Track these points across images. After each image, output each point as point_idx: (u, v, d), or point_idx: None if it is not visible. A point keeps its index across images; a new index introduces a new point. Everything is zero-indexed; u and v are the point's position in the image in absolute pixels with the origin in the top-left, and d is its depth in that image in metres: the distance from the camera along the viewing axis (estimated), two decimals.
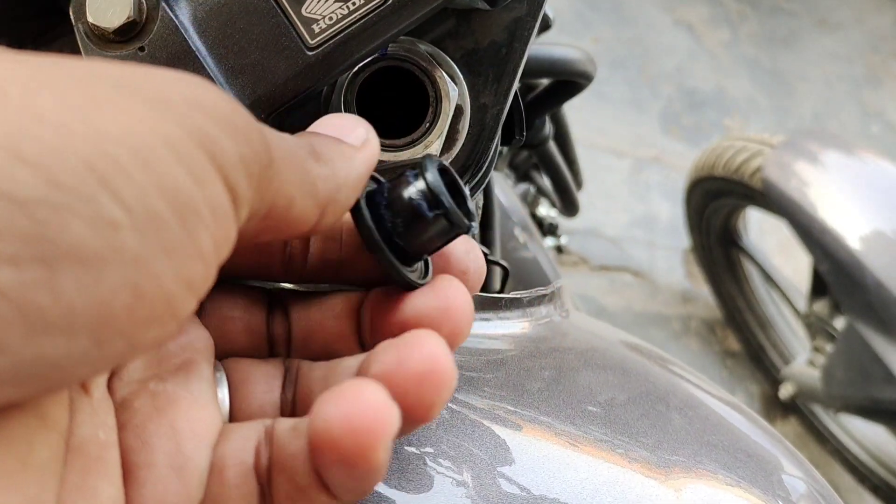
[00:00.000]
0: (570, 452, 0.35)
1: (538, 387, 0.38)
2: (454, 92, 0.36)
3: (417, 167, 0.27)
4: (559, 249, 1.42)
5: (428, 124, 0.35)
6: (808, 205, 1.43)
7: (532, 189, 1.30)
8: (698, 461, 0.37)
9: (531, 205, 1.33)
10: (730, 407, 0.45)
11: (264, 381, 0.28)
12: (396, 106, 0.36)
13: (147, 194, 0.18)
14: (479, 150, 0.37)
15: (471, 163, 0.37)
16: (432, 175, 0.26)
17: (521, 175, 1.20)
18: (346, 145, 0.26)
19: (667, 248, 2.34)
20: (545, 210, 1.37)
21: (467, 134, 0.37)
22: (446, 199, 0.26)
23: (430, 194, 0.26)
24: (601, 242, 2.29)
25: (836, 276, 1.41)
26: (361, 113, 0.34)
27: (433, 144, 0.35)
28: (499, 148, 0.42)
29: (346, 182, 0.25)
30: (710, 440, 0.39)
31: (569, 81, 0.62)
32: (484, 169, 0.40)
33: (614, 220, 2.35)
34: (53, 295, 0.17)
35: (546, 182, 1.17)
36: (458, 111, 0.36)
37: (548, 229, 1.38)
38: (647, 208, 2.40)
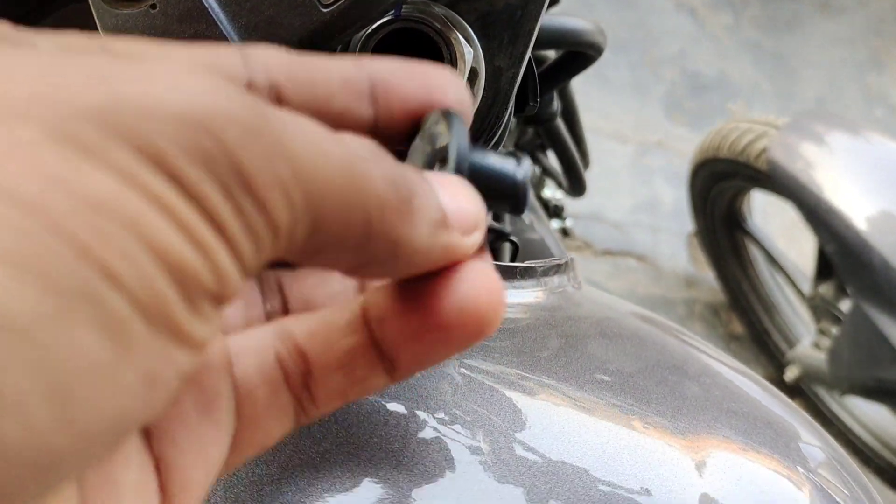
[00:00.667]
0: (588, 418, 0.35)
1: (553, 354, 0.38)
2: (469, 54, 0.35)
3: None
4: (564, 232, 1.41)
5: None
6: (814, 186, 1.43)
7: (537, 170, 1.30)
8: (716, 428, 0.37)
9: (536, 186, 1.32)
10: (745, 377, 0.44)
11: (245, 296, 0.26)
12: None
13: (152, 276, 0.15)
14: (494, 113, 0.37)
15: (485, 127, 0.37)
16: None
17: (528, 156, 1.19)
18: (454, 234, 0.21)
19: (670, 233, 2.33)
20: (551, 192, 1.37)
21: (482, 97, 0.36)
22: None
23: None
24: (605, 227, 2.29)
25: (842, 257, 1.41)
26: None
27: None
28: (512, 114, 0.41)
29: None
30: (728, 408, 0.39)
31: (578, 54, 0.61)
32: (498, 135, 0.39)
33: (618, 205, 2.34)
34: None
35: (551, 162, 1.17)
36: (473, 74, 0.36)
37: (553, 211, 1.38)
38: (650, 193, 2.39)
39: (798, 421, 0.42)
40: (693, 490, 0.34)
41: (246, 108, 0.17)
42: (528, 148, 1.17)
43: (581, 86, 2.49)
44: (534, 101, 0.41)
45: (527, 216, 0.97)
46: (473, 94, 0.36)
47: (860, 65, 2.88)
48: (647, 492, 0.33)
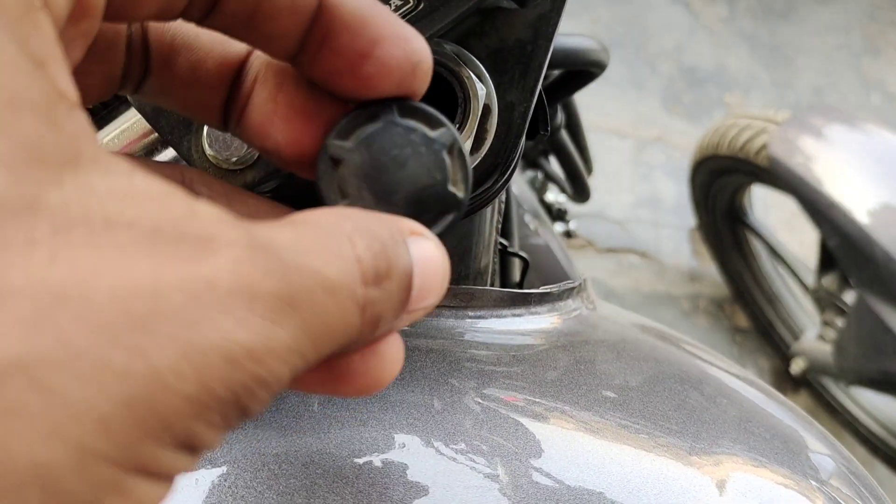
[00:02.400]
0: (605, 443, 0.36)
1: (570, 380, 0.39)
2: (482, 91, 0.36)
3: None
4: (568, 234, 1.42)
5: (458, 125, 0.35)
6: (815, 180, 1.43)
7: (539, 175, 1.30)
8: (730, 446, 0.38)
9: (539, 191, 1.33)
10: (755, 388, 0.45)
11: None
12: None
13: None
14: (508, 147, 0.37)
15: (499, 161, 0.38)
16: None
17: (529, 162, 1.20)
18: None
19: (672, 228, 2.34)
20: (553, 196, 1.37)
21: (495, 133, 0.37)
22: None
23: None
24: (607, 224, 2.30)
25: (844, 250, 1.41)
26: None
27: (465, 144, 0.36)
28: (524, 146, 0.42)
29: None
30: (741, 425, 0.40)
31: (581, 70, 0.62)
32: (512, 167, 0.40)
33: (619, 202, 2.35)
34: None
35: (554, 167, 1.18)
36: (486, 110, 0.36)
37: (556, 215, 1.39)
38: (651, 188, 2.40)
39: (807, 429, 0.43)
40: None
41: None
42: (531, 154, 1.18)
43: None
44: (544, 131, 0.42)
45: (531, 222, 0.98)
46: (487, 130, 0.37)
47: (856, 51, 2.88)
48: None
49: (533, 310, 0.43)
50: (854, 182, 1.40)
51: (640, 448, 0.36)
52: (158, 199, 0.17)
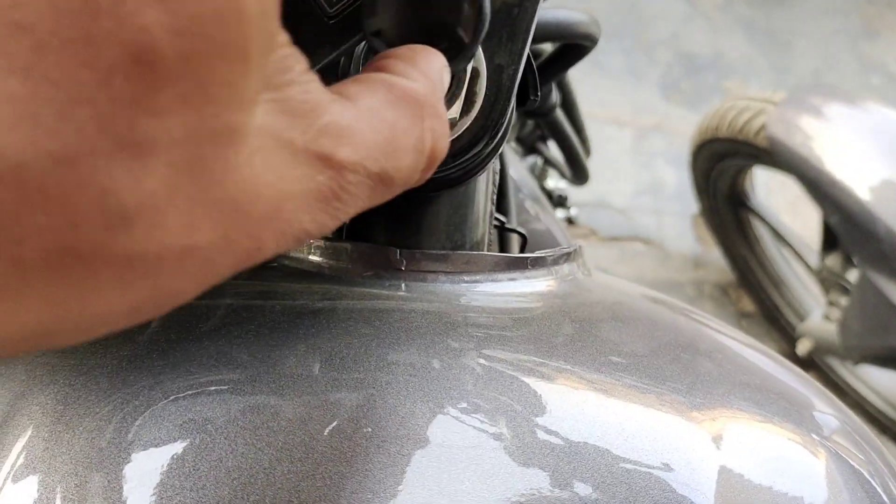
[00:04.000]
0: (606, 399, 0.36)
1: (568, 340, 0.39)
2: None
3: None
4: (570, 221, 1.42)
5: (450, 89, 0.36)
6: (815, 159, 1.43)
7: (539, 162, 1.31)
8: (731, 401, 0.38)
9: (539, 177, 1.33)
10: (757, 351, 0.45)
11: None
12: None
13: None
14: (498, 111, 0.38)
15: (490, 124, 0.38)
16: None
17: (528, 148, 1.20)
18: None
19: (675, 215, 2.34)
20: (554, 182, 1.38)
21: (484, 96, 0.37)
22: None
23: None
24: (609, 213, 2.30)
25: (846, 227, 1.41)
26: None
27: (452, 108, 0.36)
28: (514, 109, 0.42)
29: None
30: (741, 381, 0.40)
31: (573, 45, 0.62)
32: (502, 131, 0.40)
33: (620, 190, 2.35)
34: None
35: (553, 153, 1.18)
36: (475, 73, 0.37)
37: (557, 201, 1.39)
38: (652, 176, 2.40)
39: (811, 391, 0.43)
40: (711, 462, 0.35)
41: None
42: (529, 140, 1.18)
43: (576, 74, 2.49)
44: (534, 96, 0.42)
45: (532, 207, 0.98)
46: (476, 93, 0.37)
47: (854, 34, 2.87)
48: (668, 467, 0.34)
49: (528, 274, 0.43)
50: (855, 159, 1.40)
51: (644, 405, 0.36)
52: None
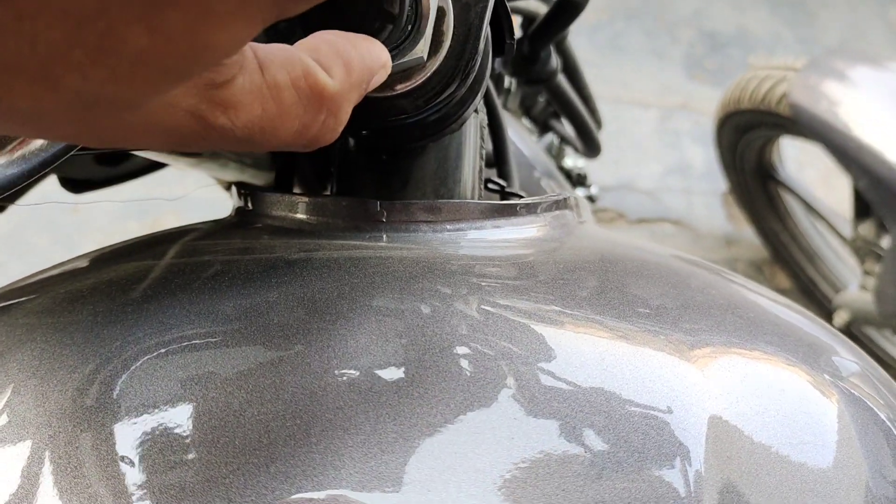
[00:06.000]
0: (610, 343, 0.34)
1: (564, 282, 0.38)
2: None
3: None
4: (591, 199, 1.41)
5: (409, 27, 0.35)
6: (841, 124, 1.40)
7: (556, 141, 1.29)
8: (740, 341, 0.37)
9: (557, 157, 1.32)
10: (776, 302, 0.44)
11: None
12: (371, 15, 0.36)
13: None
14: (468, 50, 0.37)
15: (461, 65, 0.37)
16: None
17: (543, 126, 1.19)
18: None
19: (704, 194, 2.31)
20: (572, 161, 1.36)
21: (453, 35, 0.37)
22: None
23: None
24: (637, 195, 2.27)
25: (877, 192, 1.38)
26: (337, 22, 0.34)
27: (418, 47, 0.35)
28: (490, 56, 0.42)
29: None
30: (753, 325, 0.39)
31: (567, 3, 0.61)
32: (476, 73, 0.39)
33: (648, 172, 2.32)
34: None
35: (568, 129, 1.16)
36: (441, 13, 0.36)
37: (577, 180, 1.37)
38: (679, 156, 2.37)
39: (835, 341, 0.41)
40: (712, 401, 0.33)
41: None
42: (542, 117, 1.17)
43: (597, 57, 2.47)
44: (510, 39, 0.42)
45: (547, 185, 0.97)
46: (444, 33, 0.36)
47: (882, 0, 2.81)
48: (666, 409, 0.33)
49: (515, 221, 0.42)
50: (882, 121, 1.36)
51: (646, 346, 0.35)
52: None
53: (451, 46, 0.37)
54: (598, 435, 0.30)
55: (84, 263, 0.42)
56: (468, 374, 0.31)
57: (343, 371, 0.31)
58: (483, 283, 0.37)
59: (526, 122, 1.20)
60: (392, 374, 0.31)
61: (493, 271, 0.38)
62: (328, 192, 0.49)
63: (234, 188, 0.47)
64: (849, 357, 0.40)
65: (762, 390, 0.35)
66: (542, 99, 1.14)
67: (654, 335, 0.35)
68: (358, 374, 0.31)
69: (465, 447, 0.29)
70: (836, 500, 0.32)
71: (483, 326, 0.33)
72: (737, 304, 0.41)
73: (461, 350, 0.32)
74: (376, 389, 0.30)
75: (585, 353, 0.34)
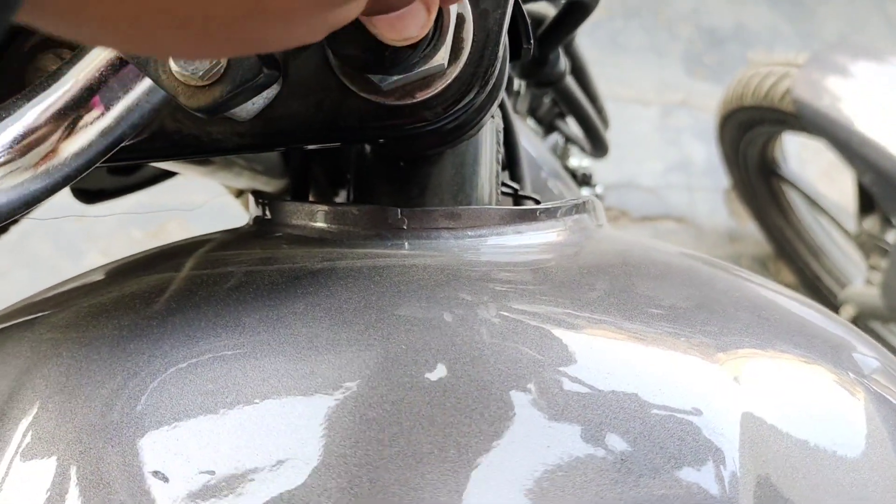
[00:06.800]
0: (632, 346, 0.34)
1: (585, 287, 0.38)
2: None
3: None
4: (596, 198, 1.41)
5: (430, 34, 0.35)
6: (844, 119, 1.40)
7: (561, 141, 1.29)
8: (762, 341, 0.37)
9: (562, 157, 1.32)
10: (794, 300, 0.44)
11: None
12: None
13: None
14: (487, 57, 0.37)
15: (480, 71, 0.37)
16: None
17: (548, 126, 1.19)
18: None
19: (706, 190, 2.31)
20: (577, 161, 1.36)
21: (472, 42, 0.36)
22: None
23: None
24: (639, 193, 2.27)
25: (881, 186, 1.38)
26: (360, 35, 0.34)
27: (439, 55, 0.35)
28: (507, 61, 0.42)
29: None
30: (772, 322, 0.39)
31: (576, 4, 0.61)
32: (495, 79, 0.39)
33: (649, 170, 2.32)
34: None
35: (573, 129, 1.16)
36: (460, 20, 0.36)
37: (582, 180, 1.37)
38: (680, 153, 2.37)
39: (853, 336, 0.41)
40: (738, 403, 0.33)
41: None
42: (548, 118, 1.17)
43: (597, 55, 2.47)
44: (527, 44, 0.42)
45: (554, 186, 0.97)
46: (463, 40, 0.36)
47: None
48: (695, 411, 0.32)
49: (536, 226, 0.42)
50: (885, 115, 1.36)
51: (670, 349, 0.35)
52: None
53: (470, 53, 0.37)
54: (635, 442, 0.30)
55: (101, 277, 0.42)
56: (501, 383, 0.31)
57: (375, 382, 0.31)
58: (509, 291, 0.37)
59: (531, 122, 1.20)
60: (425, 384, 0.31)
61: (518, 278, 0.38)
62: (343, 200, 0.49)
63: (251, 197, 0.47)
64: (869, 353, 0.40)
65: (791, 391, 0.35)
66: (547, 100, 1.14)
67: (681, 338, 0.35)
68: (390, 385, 0.31)
69: (501, 456, 0.29)
70: (872, 501, 0.32)
71: (513, 334, 0.33)
72: (759, 304, 0.41)
73: (493, 359, 0.32)
74: (409, 400, 0.30)
75: (616, 358, 0.34)
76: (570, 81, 0.80)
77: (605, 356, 0.34)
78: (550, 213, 0.43)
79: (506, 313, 0.35)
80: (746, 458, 0.31)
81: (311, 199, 0.56)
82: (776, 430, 0.33)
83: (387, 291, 0.35)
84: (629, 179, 2.28)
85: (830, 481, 0.32)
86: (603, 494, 0.28)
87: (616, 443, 0.30)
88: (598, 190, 1.40)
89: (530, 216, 0.42)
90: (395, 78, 0.35)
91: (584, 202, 0.46)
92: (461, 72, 0.37)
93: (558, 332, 0.34)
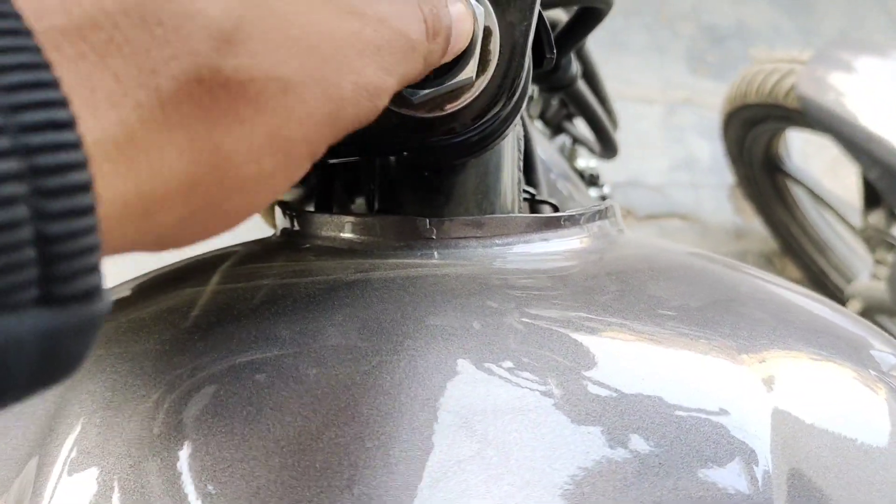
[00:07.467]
0: (655, 349, 0.35)
1: (609, 294, 0.39)
2: (480, 12, 0.36)
3: None
4: (603, 199, 1.41)
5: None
6: (849, 115, 1.40)
7: (569, 142, 1.30)
8: (783, 342, 0.37)
9: (570, 158, 1.32)
10: (808, 297, 0.44)
11: None
12: None
13: None
14: (514, 69, 0.38)
15: (506, 83, 0.38)
16: None
17: (556, 128, 1.19)
18: None
19: (711, 187, 2.31)
20: (585, 162, 1.37)
21: (499, 54, 0.37)
22: None
23: None
24: (644, 191, 2.28)
25: (887, 181, 1.38)
26: None
27: (468, 67, 0.36)
28: (531, 69, 0.42)
29: None
30: (792, 323, 0.39)
31: (589, 9, 0.62)
32: (520, 90, 0.40)
33: (654, 168, 2.33)
34: None
35: (581, 130, 1.17)
36: (487, 32, 0.37)
37: (590, 180, 1.38)
38: (685, 150, 2.37)
39: (868, 332, 0.42)
40: (766, 403, 0.34)
41: None
42: (556, 119, 1.18)
43: (599, 55, 2.48)
44: (550, 54, 0.42)
45: (564, 187, 0.98)
46: (490, 52, 0.37)
47: None
48: (724, 412, 0.33)
49: (561, 233, 0.43)
50: (891, 111, 1.37)
51: (695, 352, 0.35)
52: None
53: (497, 65, 0.37)
54: (671, 445, 0.31)
55: (130, 291, 0.43)
56: (539, 391, 0.32)
57: (416, 391, 0.32)
58: (538, 298, 0.37)
59: (538, 124, 1.21)
60: (464, 392, 0.32)
61: (546, 285, 0.39)
62: (362, 210, 0.50)
63: (277, 209, 0.48)
64: (886, 349, 0.41)
65: (817, 390, 0.36)
66: (554, 102, 1.15)
67: (710, 341, 0.36)
68: (430, 393, 0.32)
69: (542, 463, 0.29)
70: None
71: (548, 342, 0.34)
72: (780, 305, 0.41)
73: (530, 366, 0.33)
74: (450, 408, 0.31)
75: (648, 363, 0.34)
76: (581, 84, 0.80)
77: (636, 361, 0.35)
78: (574, 221, 0.44)
79: (537, 321, 0.35)
80: (778, 457, 0.32)
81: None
82: (805, 429, 0.34)
83: (422, 301, 0.36)
84: (634, 178, 2.28)
85: (860, 476, 0.32)
86: (642, 499, 0.29)
87: (652, 446, 0.31)
88: (606, 190, 1.41)
89: (555, 223, 0.43)
90: (426, 91, 0.36)
91: (605, 209, 0.47)
92: (489, 84, 0.37)
93: (593, 339, 0.35)
